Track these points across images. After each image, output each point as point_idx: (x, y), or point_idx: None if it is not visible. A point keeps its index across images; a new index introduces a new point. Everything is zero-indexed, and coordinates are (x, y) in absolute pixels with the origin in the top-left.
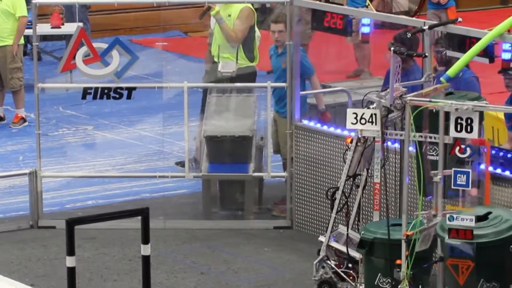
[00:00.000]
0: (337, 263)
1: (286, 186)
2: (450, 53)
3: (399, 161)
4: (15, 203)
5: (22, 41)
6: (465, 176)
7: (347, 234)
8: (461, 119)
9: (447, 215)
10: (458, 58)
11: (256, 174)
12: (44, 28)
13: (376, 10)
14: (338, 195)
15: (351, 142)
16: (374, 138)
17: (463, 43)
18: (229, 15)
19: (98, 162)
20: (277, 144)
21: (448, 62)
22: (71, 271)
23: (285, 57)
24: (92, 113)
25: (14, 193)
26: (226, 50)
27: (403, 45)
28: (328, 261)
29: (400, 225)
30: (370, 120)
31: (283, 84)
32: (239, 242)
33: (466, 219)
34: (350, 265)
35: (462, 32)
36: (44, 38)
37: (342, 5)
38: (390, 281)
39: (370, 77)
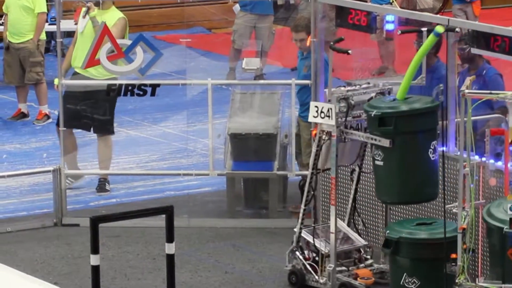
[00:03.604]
0: (306, 256)
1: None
2: (474, 50)
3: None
4: (39, 201)
5: (43, 36)
6: None
7: (314, 226)
8: None
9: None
10: (481, 56)
11: (280, 172)
12: (68, 24)
13: (400, 7)
14: (306, 188)
15: (315, 135)
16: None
17: (487, 40)
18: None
19: (121, 160)
20: (298, 148)
21: (471, 59)
22: (95, 270)
23: (308, 61)
24: (115, 110)
25: (38, 191)
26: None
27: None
28: (297, 253)
29: (425, 224)
30: (328, 114)
31: (308, 82)
32: (264, 240)
33: None
34: (317, 258)
35: (486, 30)
36: (68, 34)
37: (366, 2)
38: (415, 281)
39: (394, 74)
